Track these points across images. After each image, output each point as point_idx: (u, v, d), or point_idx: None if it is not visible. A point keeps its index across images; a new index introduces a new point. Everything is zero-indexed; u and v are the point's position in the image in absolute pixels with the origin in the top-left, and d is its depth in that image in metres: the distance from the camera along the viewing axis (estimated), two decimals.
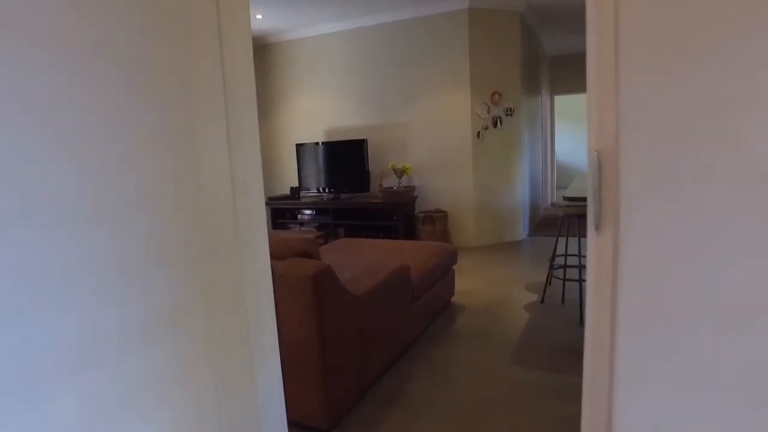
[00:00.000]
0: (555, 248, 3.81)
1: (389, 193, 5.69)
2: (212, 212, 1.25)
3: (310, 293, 2.05)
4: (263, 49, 6.81)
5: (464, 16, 5.49)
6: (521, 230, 6.12)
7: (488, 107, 5.66)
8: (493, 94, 5.67)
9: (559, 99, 9.40)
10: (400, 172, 5.79)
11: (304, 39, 6.47)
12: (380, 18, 5.88)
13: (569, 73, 8.79)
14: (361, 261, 3.41)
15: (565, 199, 2.83)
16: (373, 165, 6.22)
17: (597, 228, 1.19)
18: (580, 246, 3.54)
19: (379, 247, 3.83)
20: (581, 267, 3.49)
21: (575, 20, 6.58)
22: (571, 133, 11.61)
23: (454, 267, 3.96)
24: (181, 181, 1.12)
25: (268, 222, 6.77)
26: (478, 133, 5.66)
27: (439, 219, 5.62)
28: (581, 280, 3.45)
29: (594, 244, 1.20)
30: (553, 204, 3.73)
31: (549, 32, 7.12)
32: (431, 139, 5.86)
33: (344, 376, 2.26)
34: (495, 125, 5.73)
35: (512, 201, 5.98)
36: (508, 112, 5.77)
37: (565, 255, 3.81)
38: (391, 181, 6.09)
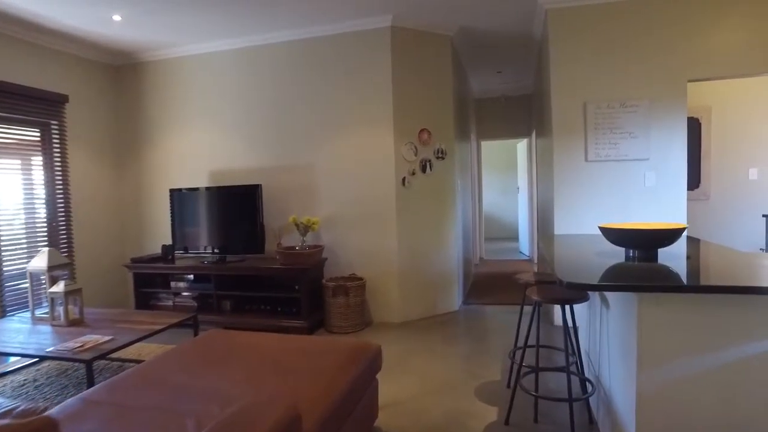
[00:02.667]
0: (532, 346, 2.65)
1: (290, 255, 4.34)
2: None
3: None
4: (132, 69, 5.33)
5: (386, 36, 4.45)
6: (456, 298, 4.98)
7: (415, 148, 4.58)
8: (422, 131, 4.61)
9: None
10: (304, 228, 4.47)
11: (186, 57, 5.11)
12: (283, 35, 4.70)
13: (494, 117, 8.12)
14: (220, 389, 2.01)
15: (565, 285, 1.68)
16: (270, 218, 4.86)
17: None
18: (568, 343, 2.40)
19: (262, 351, 2.45)
20: (569, 373, 2.34)
21: (506, 59, 5.83)
22: (492, 181, 11.02)
23: (377, 375, 2.66)
24: None
25: (129, 292, 5.04)
26: (404, 179, 4.53)
27: (354, 289, 4.32)
28: (571, 399, 2.28)
29: None
30: (517, 276, 2.52)
31: (477, 69, 6.34)
32: (345, 187, 4.64)
33: None
34: (424, 170, 4.64)
35: (445, 262, 4.86)
36: (440, 155, 4.72)
37: (537, 350, 2.64)
38: (293, 239, 4.75)
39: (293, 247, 4.54)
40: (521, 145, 8.44)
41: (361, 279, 4.47)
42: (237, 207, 4.65)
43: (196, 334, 3.52)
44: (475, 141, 7.61)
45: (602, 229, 2.25)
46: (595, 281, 1.67)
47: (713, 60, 3.85)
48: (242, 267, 4.50)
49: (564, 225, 4.10)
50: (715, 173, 5.27)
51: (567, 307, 3.39)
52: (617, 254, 2.29)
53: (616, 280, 1.68)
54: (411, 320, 4.65)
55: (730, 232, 5.20)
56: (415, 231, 4.65)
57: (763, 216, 4.64)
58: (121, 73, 5.38)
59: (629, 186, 3.99)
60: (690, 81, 3.90)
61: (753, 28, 3.79)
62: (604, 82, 4.00)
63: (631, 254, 2.22)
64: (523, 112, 7.98)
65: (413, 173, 4.58)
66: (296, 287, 4.39)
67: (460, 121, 5.53)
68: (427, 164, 4.65)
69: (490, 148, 10.83)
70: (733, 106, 5.19)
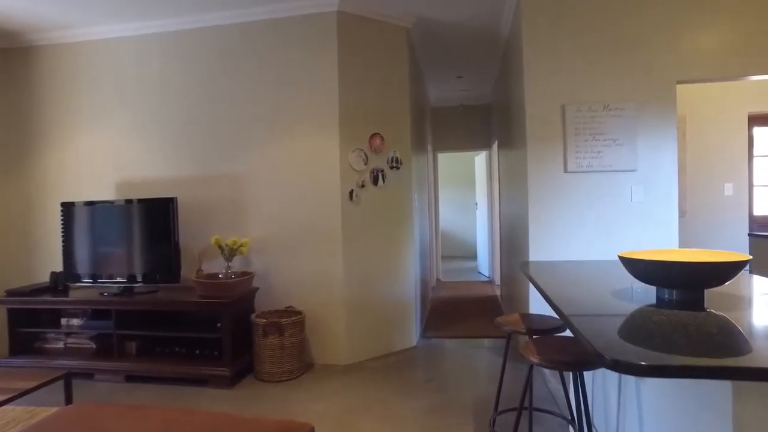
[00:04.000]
0: (526, 408, 1.96)
1: (211, 285, 3.49)
2: None
3: None
4: (21, 54, 4.36)
5: (332, 22, 3.74)
6: (413, 331, 4.26)
7: (366, 156, 3.87)
8: (373, 136, 3.91)
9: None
10: (230, 251, 3.64)
11: (89, 42, 4.20)
12: (209, 18, 3.91)
13: (451, 128, 7.57)
14: None
15: (610, 364, 1.00)
16: (189, 239, 3.99)
17: None
18: (582, 421, 1.71)
19: None
20: None
21: (468, 60, 5.27)
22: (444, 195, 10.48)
23: None
24: None
25: (3, 333, 3.96)
26: (352, 192, 3.81)
27: (290, 326, 3.52)
28: None
29: None
30: (499, 323, 1.77)
31: (435, 72, 5.75)
32: (281, 201, 3.86)
33: None
34: (375, 182, 3.93)
35: (401, 289, 4.14)
36: (394, 164, 4.03)
37: (529, 424, 1.95)
38: (217, 265, 3.90)
39: (216, 275, 3.69)
40: (480, 158, 7.92)
41: (299, 313, 3.67)
42: (147, 225, 3.76)
43: (68, 401, 2.61)
44: (431, 152, 7.01)
45: (626, 259, 1.61)
46: (653, 354, 0.99)
47: (703, 60, 3.38)
48: (152, 300, 3.60)
49: (540, 247, 3.48)
50: (691, 188, 4.86)
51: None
52: (642, 294, 1.65)
53: (677, 348, 1.00)
54: (360, 361, 3.88)
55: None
56: (364, 254, 3.91)
57: (749, 235, 4.23)
58: (6, 58, 4.38)
59: (614, 201, 3.43)
60: (679, 83, 3.41)
61: (743, 29, 3.35)
62: (585, 81, 3.45)
63: (668, 296, 1.58)
64: (482, 123, 7.47)
65: (363, 185, 3.86)
66: (218, 325, 3.54)
67: (417, 128, 4.88)
68: (380, 175, 3.94)
69: (445, 161, 10.31)
70: (707, 116, 4.82)
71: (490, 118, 7.33)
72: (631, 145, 3.38)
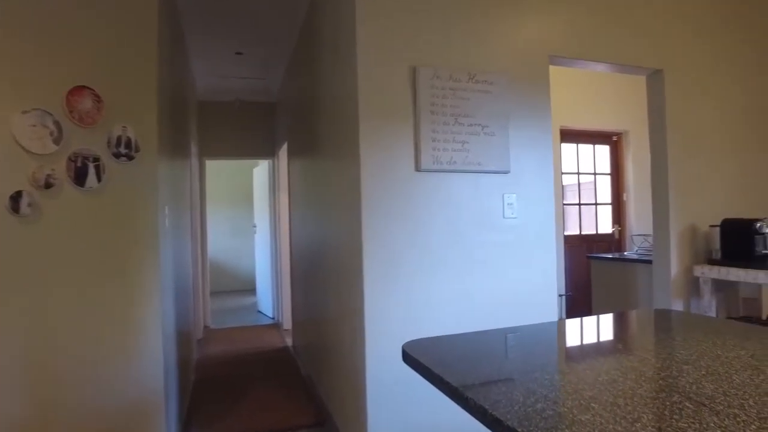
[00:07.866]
0: None
1: None
2: None
3: None
4: None
5: None
6: None
7: (57, 126, 1.98)
8: (77, 92, 2.04)
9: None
10: None
11: None
12: None
13: (224, 128, 5.86)
14: None
15: None
16: None
17: None
18: None
19: None
20: None
21: (257, 22, 3.74)
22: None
23: None
24: None
25: None
26: (19, 197, 1.86)
27: None
28: None
29: None
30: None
31: (205, 41, 4.04)
32: None
33: None
34: (81, 179, 2.05)
35: (135, 373, 2.28)
36: (124, 151, 2.20)
37: None
38: None
39: None
40: (260, 170, 6.37)
41: None
42: None
43: None
44: (196, 157, 5.17)
45: None
46: None
47: (577, 34, 2.59)
48: None
49: (379, 282, 2.14)
50: None
51: None
52: None
53: None
54: None
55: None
56: (48, 319, 1.98)
57: (588, 257, 3.71)
58: None
59: (483, 216, 2.33)
60: (552, 58, 2.54)
61: (623, 8, 2.69)
62: (444, 39, 2.29)
63: None
64: (265, 125, 5.97)
65: (49, 185, 1.94)
66: None
67: (174, 107, 3.10)
68: (91, 167, 2.08)
69: (216, 173, 8.41)
70: None
71: (274, 120, 5.89)
72: (503, 134, 2.34)
